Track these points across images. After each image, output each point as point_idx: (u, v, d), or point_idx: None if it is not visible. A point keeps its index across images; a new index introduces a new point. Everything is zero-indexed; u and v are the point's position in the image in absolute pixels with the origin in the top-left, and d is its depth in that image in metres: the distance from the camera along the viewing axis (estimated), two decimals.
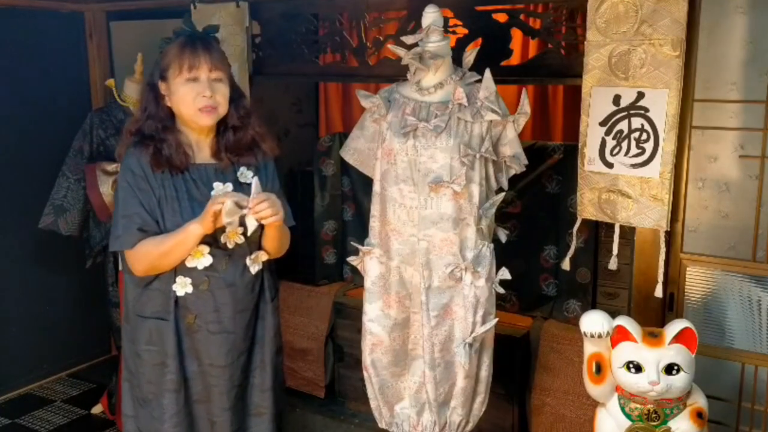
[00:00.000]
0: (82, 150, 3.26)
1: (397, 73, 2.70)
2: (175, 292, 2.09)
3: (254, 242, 2.16)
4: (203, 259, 2.07)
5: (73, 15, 3.91)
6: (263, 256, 2.18)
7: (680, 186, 2.46)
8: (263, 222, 2.00)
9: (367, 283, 2.57)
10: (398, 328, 2.55)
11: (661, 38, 2.29)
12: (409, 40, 2.44)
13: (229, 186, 2.12)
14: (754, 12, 2.31)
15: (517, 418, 3.01)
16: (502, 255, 2.55)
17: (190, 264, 2.07)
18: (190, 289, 2.09)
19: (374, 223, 2.55)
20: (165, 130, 2.08)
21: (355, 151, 2.64)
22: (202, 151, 2.14)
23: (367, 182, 2.66)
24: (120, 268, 3.24)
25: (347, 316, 3.34)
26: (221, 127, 2.16)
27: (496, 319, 2.49)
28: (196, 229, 1.99)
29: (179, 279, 2.08)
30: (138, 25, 3.88)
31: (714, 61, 2.38)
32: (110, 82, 3.33)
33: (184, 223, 2.03)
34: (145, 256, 2.04)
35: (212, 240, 2.05)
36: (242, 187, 2.11)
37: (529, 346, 3.00)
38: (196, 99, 2.04)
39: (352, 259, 2.65)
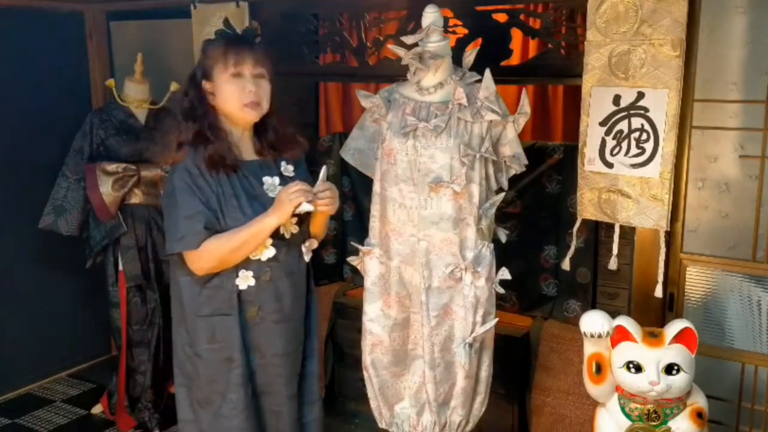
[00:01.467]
0: (82, 150, 3.26)
1: (397, 73, 2.70)
2: (237, 286, 2.12)
3: (306, 231, 2.24)
4: (267, 251, 2.12)
5: (73, 15, 3.90)
6: (314, 243, 2.26)
7: (680, 186, 2.46)
8: (321, 209, 2.08)
9: (367, 283, 2.57)
10: (398, 328, 2.55)
11: (661, 38, 2.29)
12: (409, 40, 2.44)
13: (277, 179, 2.18)
14: (754, 12, 2.31)
15: (517, 418, 3.01)
16: (502, 255, 2.55)
17: (254, 256, 2.11)
18: (252, 282, 2.12)
19: (374, 223, 2.55)
20: (214, 129, 2.11)
21: (355, 151, 2.64)
22: (246, 149, 2.19)
23: (367, 182, 2.67)
24: (120, 268, 3.25)
25: (347, 316, 3.34)
26: (260, 125, 2.21)
27: (496, 319, 2.49)
28: (273, 221, 2.05)
29: (242, 273, 2.11)
30: (138, 25, 3.88)
31: (714, 61, 2.38)
32: (110, 82, 3.33)
33: (244, 217, 2.07)
34: (214, 253, 2.05)
35: (274, 232, 2.11)
36: (286, 180, 2.18)
37: (529, 346, 3.00)
38: (242, 95, 2.09)
39: (352, 259, 2.65)
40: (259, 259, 2.12)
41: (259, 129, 2.21)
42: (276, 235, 2.13)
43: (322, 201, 2.07)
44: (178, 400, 2.26)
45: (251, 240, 2.06)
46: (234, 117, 2.14)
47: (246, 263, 2.11)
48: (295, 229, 2.17)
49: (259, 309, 2.15)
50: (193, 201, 2.05)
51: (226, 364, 2.14)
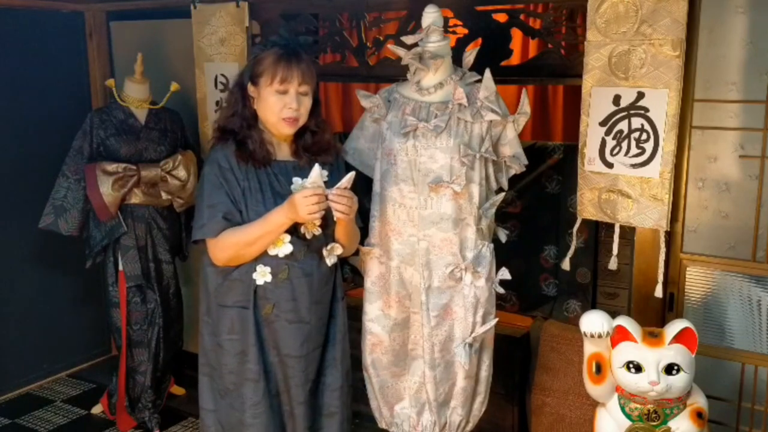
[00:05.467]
0: (82, 150, 3.25)
1: (397, 73, 2.70)
2: (255, 281, 2.16)
3: (330, 235, 2.26)
4: (284, 247, 2.16)
5: (73, 15, 3.90)
6: (338, 249, 2.26)
7: (680, 186, 2.46)
8: (335, 214, 2.10)
9: (367, 283, 2.57)
10: (398, 328, 2.55)
11: (661, 38, 2.29)
12: (409, 40, 2.44)
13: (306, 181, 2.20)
14: (754, 12, 2.31)
15: (517, 418, 3.01)
16: (502, 255, 2.55)
17: (271, 252, 2.15)
18: (269, 278, 2.17)
19: (374, 223, 2.55)
20: (249, 127, 2.20)
21: (355, 151, 2.64)
22: (282, 150, 2.26)
23: (367, 182, 2.67)
24: (120, 268, 3.26)
25: (347, 316, 3.33)
26: (299, 130, 2.25)
27: (496, 319, 2.49)
28: (282, 219, 2.08)
29: (259, 268, 2.16)
30: (138, 25, 3.88)
31: (714, 61, 2.38)
32: (110, 82, 3.33)
33: (265, 212, 2.12)
34: (230, 245, 2.12)
35: (292, 229, 2.15)
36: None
37: (529, 346, 3.00)
38: (283, 110, 2.15)
39: (352, 259, 2.65)
40: (276, 256, 2.16)
41: (298, 132, 2.25)
42: (295, 233, 2.16)
43: (334, 204, 2.08)
44: (201, 388, 2.31)
45: (265, 237, 2.11)
46: (270, 127, 2.20)
47: (264, 259, 2.16)
48: (317, 231, 2.19)
49: (274, 306, 2.18)
50: (219, 193, 2.14)
51: (241, 357, 2.20)
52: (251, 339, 2.18)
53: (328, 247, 2.24)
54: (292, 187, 2.16)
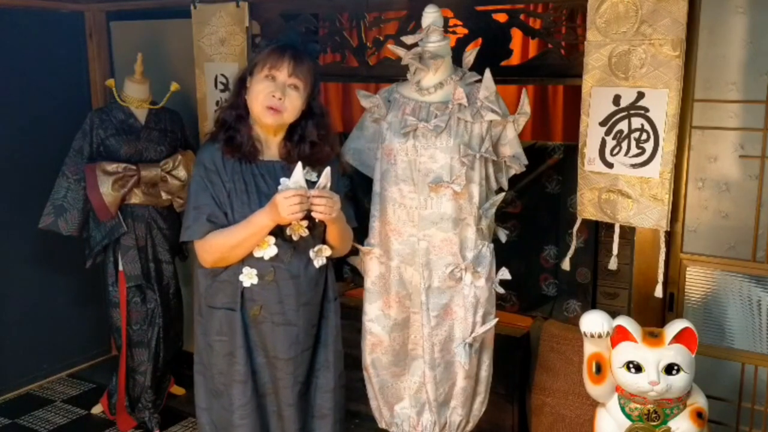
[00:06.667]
0: (82, 150, 3.25)
1: (397, 73, 2.70)
2: (242, 282, 2.15)
3: (318, 236, 2.23)
4: (269, 250, 2.13)
5: (73, 15, 3.90)
6: (326, 251, 2.24)
7: (680, 186, 2.46)
8: (315, 215, 2.07)
9: (367, 283, 2.57)
10: (398, 328, 2.55)
11: (661, 38, 2.29)
12: (409, 40, 2.44)
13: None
14: (754, 12, 2.31)
15: (517, 418, 3.01)
16: (502, 255, 2.55)
17: (257, 254, 2.13)
18: (255, 280, 2.15)
19: (374, 223, 2.55)
20: (239, 119, 2.18)
21: (355, 151, 2.64)
22: (270, 149, 2.22)
23: (367, 182, 2.67)
24: (120, 268, 3.26)
25: (347, 316, 3.31)
26: (295, 136, 2.21)
27: (496, 319, 2.49)
28: (266, 221, 2.06)
29: (245, 270, 2.15)
30: (138, 25, 3.88)
31: (714, 61, 2.38)
32: (110, 82, 3.33)
33: (251, 214, 2.10)
34: (217, 247, 2.11)
35: (278, 231, 2.13)
36: (306, 183, 2.16)
37: (529, 346, 3.00)
38: (267, 97, 2.11)
39: (352, 259, 2.65)
40: (262, 258, 2.13)
41: (293, 136, 2.21)
42: (280, 235, 2.13)
43: (313, 206, 2.04)
44: (196, 387, 2.31)
45: (249, 239, 2.09)
46: (255, 116, 2.16)
47: (250, 261, 2.14)
48: (305, 233, 2.16)
49: (262, 308, 2.17)
50: (204, 195, 2.13)
51: (229, 358, 2.18)
52: (239, 341, 2.16)
53: (316, 248, 2.21)
54: (279, 188, 2.11)
